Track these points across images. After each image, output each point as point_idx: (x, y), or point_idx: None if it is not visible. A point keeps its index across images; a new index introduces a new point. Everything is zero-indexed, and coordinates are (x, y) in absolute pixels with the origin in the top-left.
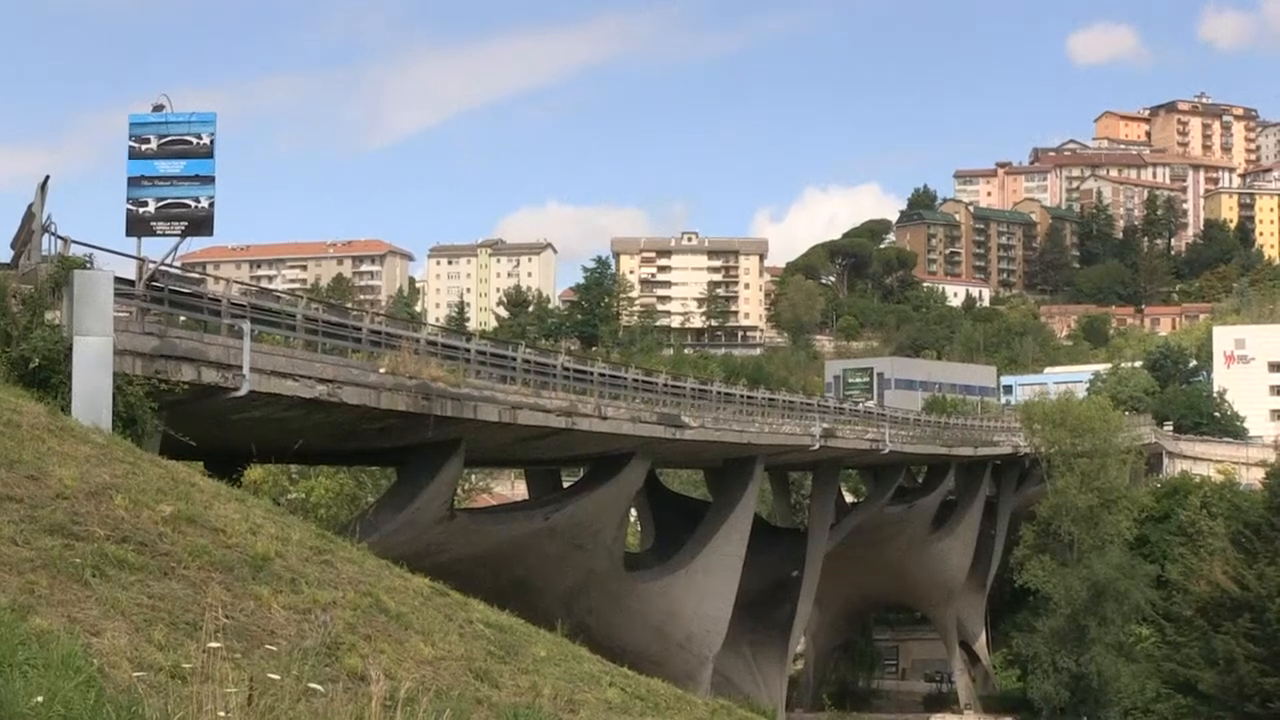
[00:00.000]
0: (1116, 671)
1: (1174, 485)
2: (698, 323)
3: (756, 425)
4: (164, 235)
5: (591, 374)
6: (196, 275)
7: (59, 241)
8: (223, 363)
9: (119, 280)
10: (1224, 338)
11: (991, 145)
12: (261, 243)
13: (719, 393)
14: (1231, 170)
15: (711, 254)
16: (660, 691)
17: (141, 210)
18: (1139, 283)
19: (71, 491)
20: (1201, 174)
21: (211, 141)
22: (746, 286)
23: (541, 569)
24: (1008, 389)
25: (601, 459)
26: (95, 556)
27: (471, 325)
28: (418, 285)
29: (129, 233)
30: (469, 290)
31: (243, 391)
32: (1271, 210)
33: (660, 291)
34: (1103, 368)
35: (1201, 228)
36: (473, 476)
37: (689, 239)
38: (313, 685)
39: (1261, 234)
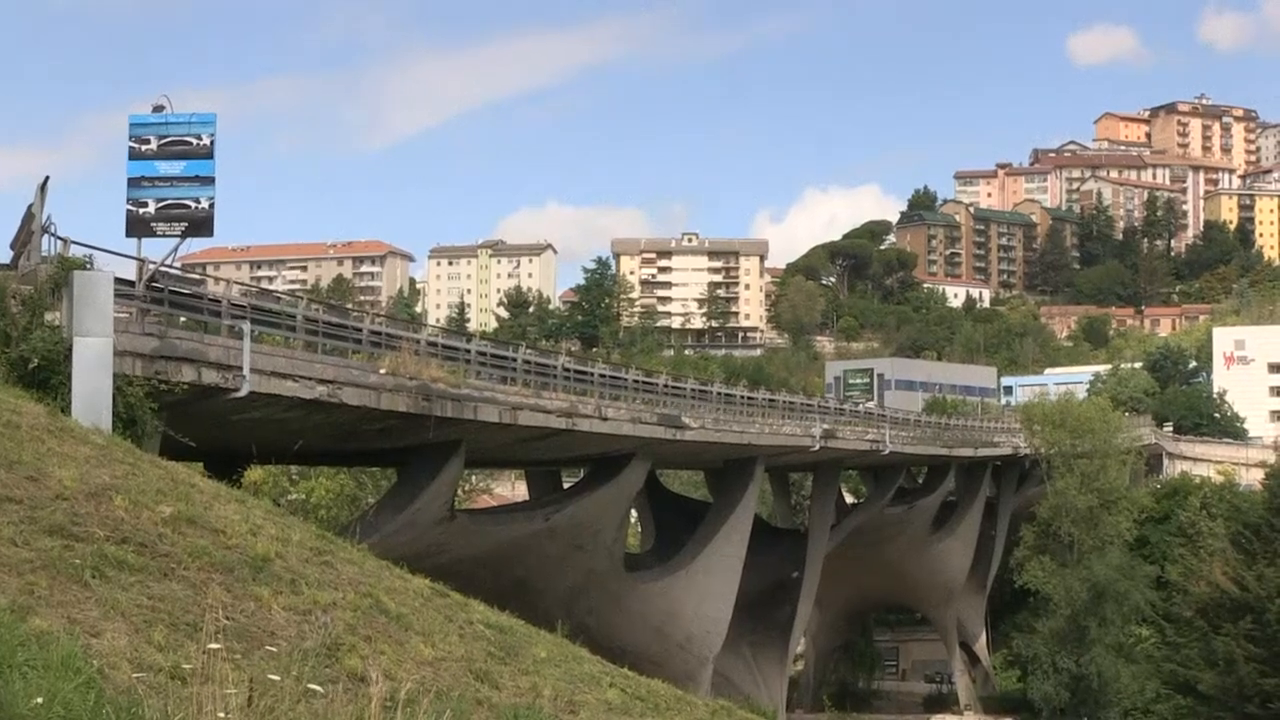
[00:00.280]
0: (1116, 672)
1: (1174, 486)
2: (698, 323)
3: (757, 426)
4: (164, 236)
5: (592, 375)
6: (196, 276)
7: (59, 242)
8: (223, 363)
9: (119, 281)
10: (1224, 339)
11: (992, 146)
12: (262, 243)
13: (719, 393)
14: (1231, 171)
15: (712, 255)
16: (660, 692)
17: (141, 211)
18: (1139, 284)
19: (71, 492)
20: (1201, 175)
21: (212, 142)
22: (747, 287)
23: (542, 570)
24: (1008, 390)
25: (602, 460)
26: (95, 557)
27: (472, 326)
28: (418, 286)
29: (129, 233)
30: (469, 291)
31: (243, 392)
32: (1271, 211)
33: (660, 292)
34: (1103, 369)
35: (1201, 229)
36: (473, 477)
37: (689, 240)
38: (313, 686)
39: (1261, 235)
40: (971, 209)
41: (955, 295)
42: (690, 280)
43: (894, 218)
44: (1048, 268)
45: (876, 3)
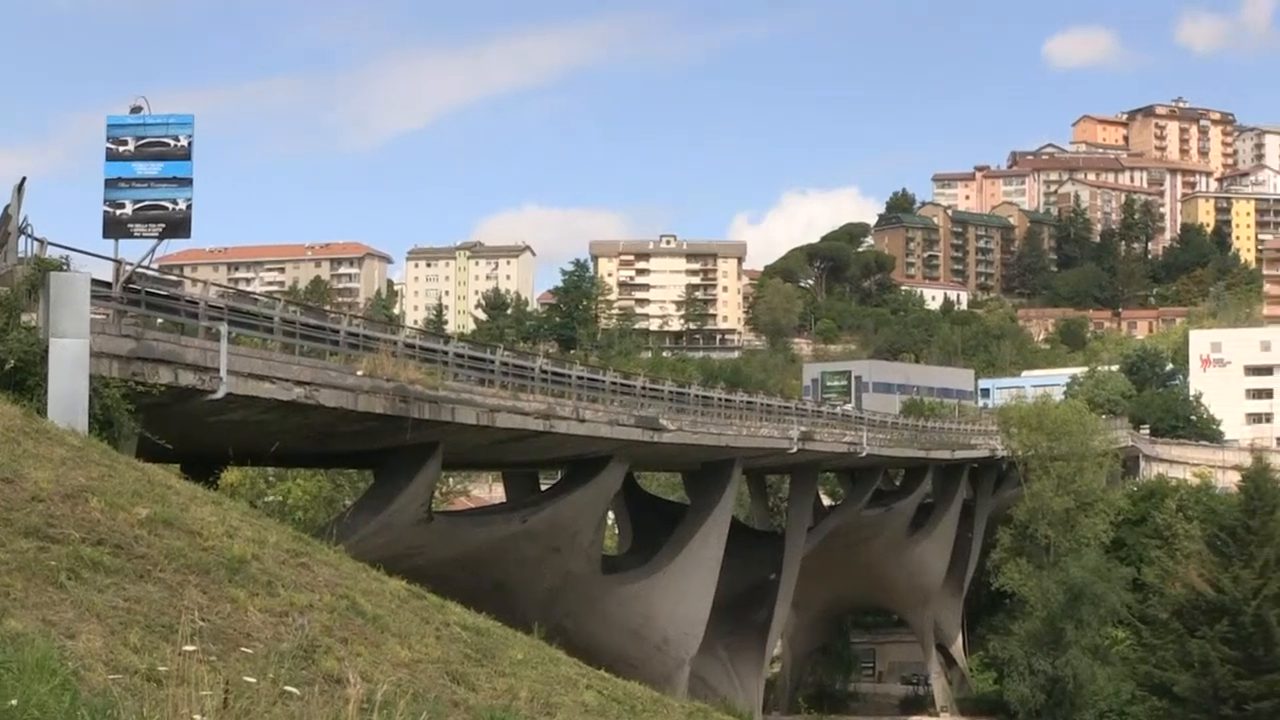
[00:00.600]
0: (1092, 674)
1: (1150, 488)
2: (676, 325)
3: (734, 428)
4: (141, 237)
5: (570, 376)
6: (174, 277)
7: (35, 243)
8: (200, 365)
9: (96, 282)
10: (1200, 341)
11: (970, 149)
12: (239, 245)
13: (697, 395)
14: (1209, 174)
15: (690, 257)
16: (637, 694)
17: (119, 212)
18: (1116, 286)
19: (47, 494)
20: (1179, 178)
21: (189, 143)
22: (725, 289)
23: (519, 572)
24: (985, 392)
25: (579, 462)
26: (71, 559)
27: (449, 328)
28: (396, 288)
29: (106, 234)
30: (447, 293)
31: (220, 394)
32: (1248, 214)
33: (638, 294)
34: (1080, 371)
35: (1178, 231)
36: (450, 479)
37: (667, 242)
38: (289, 688)
39: (1238, 238)
40: (949, 211)
41: (933, 297)
42: (668, 282)
43: (872, 220)
44: (1025, 270)
45: (856, 6)
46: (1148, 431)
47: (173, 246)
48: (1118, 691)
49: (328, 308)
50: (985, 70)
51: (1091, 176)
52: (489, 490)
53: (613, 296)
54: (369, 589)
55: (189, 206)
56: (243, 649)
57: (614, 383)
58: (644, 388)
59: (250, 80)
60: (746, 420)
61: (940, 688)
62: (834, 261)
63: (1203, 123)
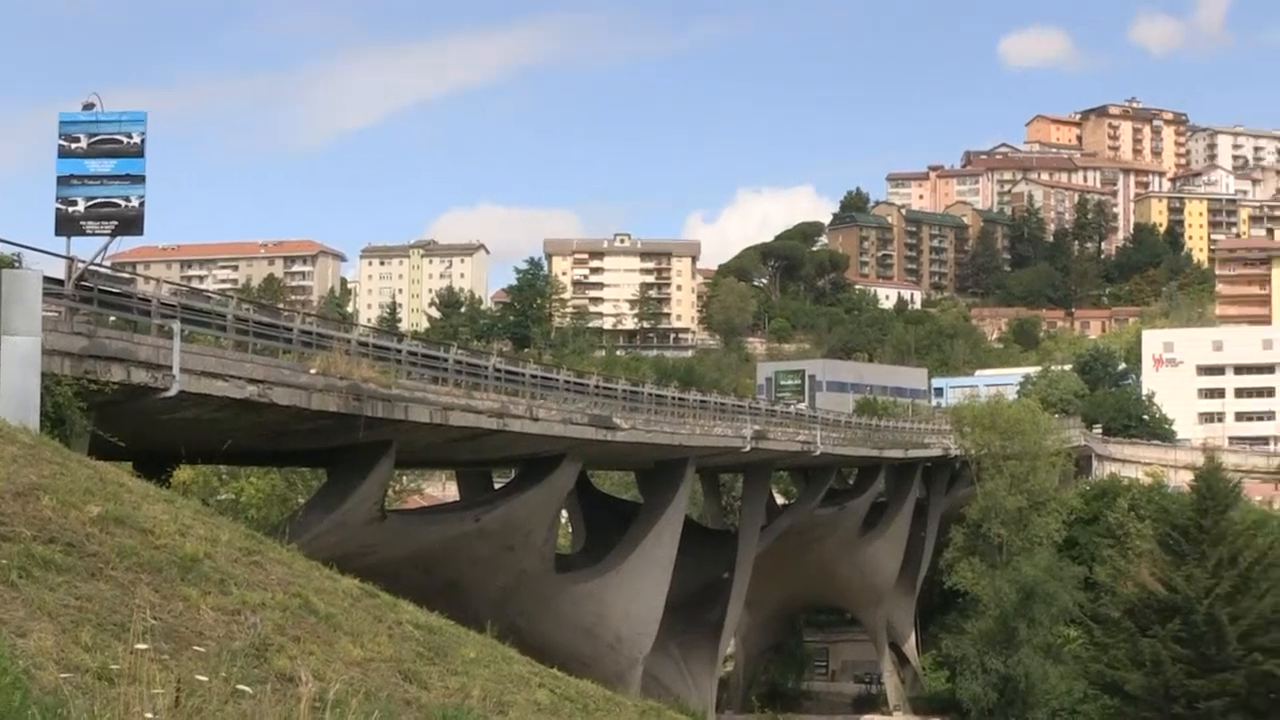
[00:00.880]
0: (1044, 673)
1: (1103, 488)
2: (630, 324)
3: (688, 427)
4: (94, 234)
5: (523, 375)
6: (126, 275)
7: None
8: (152, 363)
9: (48, 280)
10: (1153, 341)
11: (924, 148)
12: (192, 243)
13: (650, 394)
14: (1162, 174)
15: (644, 255)
16: (590, 693)
17: (71, 209)
18: (1069, 286)
19: None
20: (1132, 178)
21: (142, 140)
22: (679, 288)
23: (472, 570)
24: (938, 391)
25: (533, 460)
26: (22, 557)
27: (403, 326)
28: (349, 286)
29: (58, 232)
30: (401, 291)
31: (173, 392)
32: (1201, 215)
33: (592, 293)
34: (1033, 370)
35: (1131, 231)
36: (404, 477)
37: (621, 240)
38: (241, 687)
39: (1191, 238)
40: (903, 211)
41: (887, 297)
42: (622, 281)
43: (826, 219)
44: (979, 270)
45: (810, 6)
46: (1100, 431)
47: (125, 244)
48: (1070, 690)
49: (281, 306)
50: (940, 70)
51: (1045, 176)
52: (442, 489)
53: (567, 295)
54: (322, 587)
55: (142, 204)
56: (195, 647)
57: (568, 381)
58: (598, 386)
59: (204, 77)
60: (700, 419)
61: (893, 686)
62: (788, 260)
63: (1156, 123)
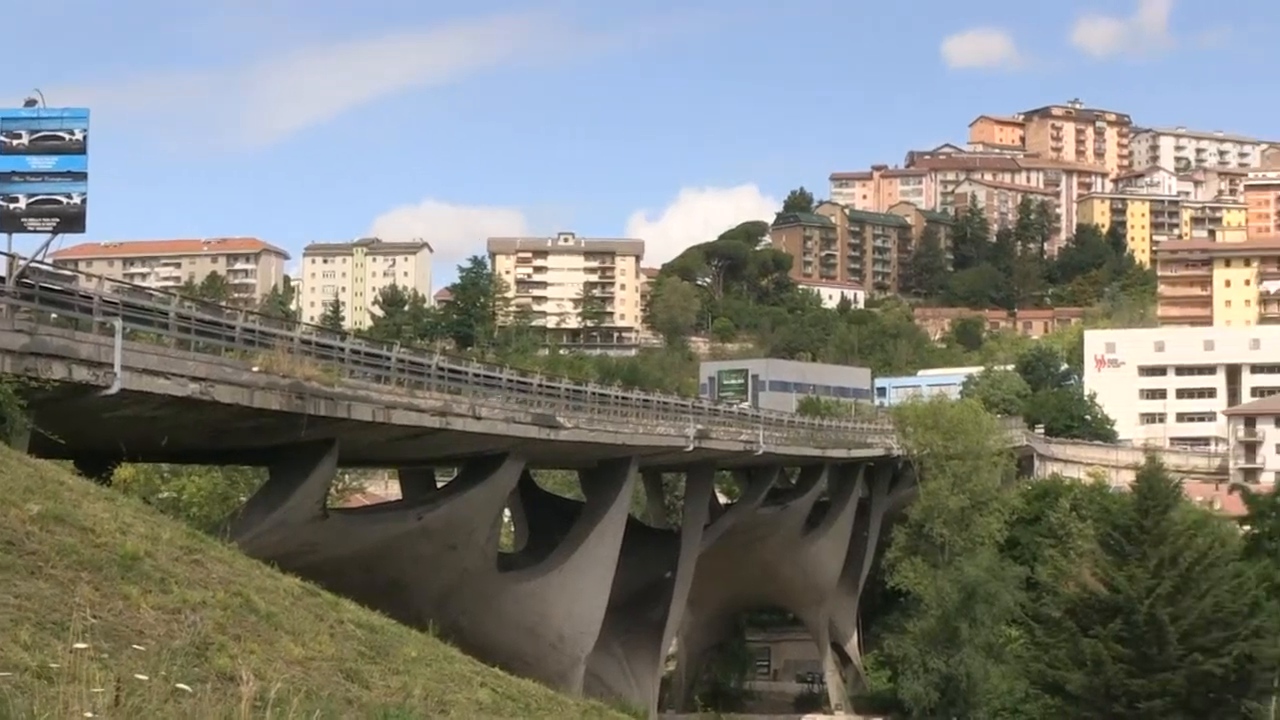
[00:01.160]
0: (986, 672)
1: (1044, 488)
2: (573, 323)
3: (631, 426)
4: (35, 231)
5: (466, 374)
6: (68, 272)
7: None
8: (94, 360)
9: None
10: (1095, 341)
11: (867, 148)
12: (135, 240)
13: (594, 393)
14: (1104, 175)
15: (588, 255)
16: (532, 692)
17: (12, 206)
18: (1012, 286)
19: None
20: (1074, 179)
21: (84, 137)
22: (622, 287)
23: (415, 569)
24: (881, 391)
25: (476, 459)
26: None
27: (346, 324)
28: (292, 284)
29: None
30: (344, 289)
31: (114, 389)
32: (1143, 215)
33: (536, 292)
34: (975, 370)
35: (1074, 232)
36: (346, 476)
37: (565, 239)
38: (181, 686)
39: (1133, 239)
40: (847, 210)
41: (830, 296)
42: (566, 280)
43: (770, 219)
44: (922, 270)
45: (754, 6)
46: (1042, 431)
47: (67, 241)
48: (1011, 690)
49: (224, 303)
50: (883, 70)
51: (988, 177)
52: (385, 487)
53: (510, 294)
54: (263, 586)
55: (84, 201)
56: (135, 646)
57: (511, 380)
58: (541, 385)
59: (149, 75)
60: (643, 418)
61: (835, 686)
62: (731, 260)
63: (1098, 124)
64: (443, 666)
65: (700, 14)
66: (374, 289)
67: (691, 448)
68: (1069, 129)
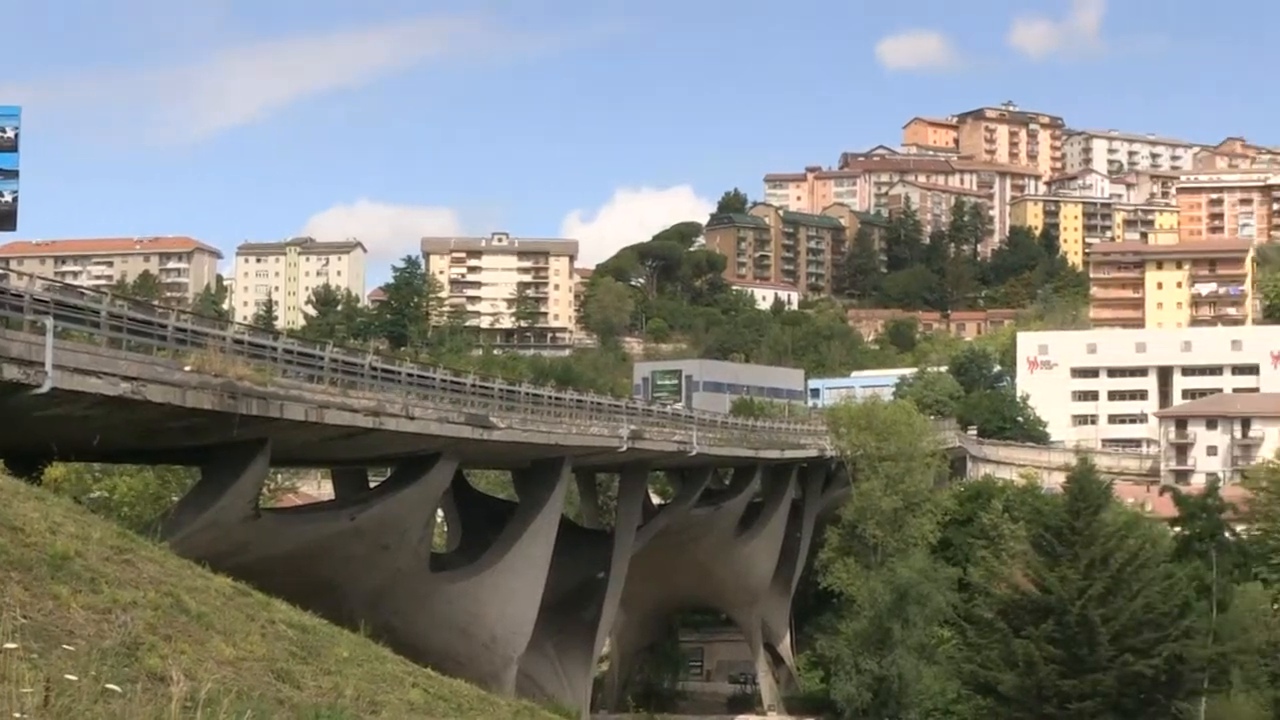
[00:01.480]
0: (918, 673)
1: (977, 489)
2: (507, 323)
3: (564, 426)
4: None
5: (399, 374)
6: None
7: None
8: (24, 359)
9: None
10: (1028, 343)
11: (802, 150)
12: (66, 238)
13: (527, 394)
14: (1037, 178)
15: (521, 255)
16: (463, 692)
17: None
18: (945, 288)
19: None
20: (1008, 181)
21: (15, 135)
22: (556, 288)
23: (347, 569)
24: (815, 392)
25: (409, 459)
26: None
27: (279, 324)
28: (225, 283)
29: None
30: (277, 289)
31: (45, 389)
32: (1076, 218)
33: (470, 292)
34: (909, 372)
35: (1007, 234)
36: (279, 476)
37: (499, 239)
38: (111, 686)
39: (1065, 241)
40: (781, 212)
41: (764, 298)
42: (500, 280)
43: (704, 219)
44: (856, 271)
45: (688, 6)
46: (975, 432)
47: None
48: (943, 690)
49: (156, 302)
50: (818, 72)
51: (922, 179)
52: (318, 487)
53: (444, 294)
54: (194, 586)
55: (15, 199)
56: (65, 646)
57: (444, 380)
58: (474, 385)
59: (79, 73)
60: (577, 419)
61: (768, 686)
62: (665, 261)
63: (1032, 126)
64: (374, 667)
65: (636, 15)
66: (307, 288)
67: (625, 448)
68: (1003, 131)
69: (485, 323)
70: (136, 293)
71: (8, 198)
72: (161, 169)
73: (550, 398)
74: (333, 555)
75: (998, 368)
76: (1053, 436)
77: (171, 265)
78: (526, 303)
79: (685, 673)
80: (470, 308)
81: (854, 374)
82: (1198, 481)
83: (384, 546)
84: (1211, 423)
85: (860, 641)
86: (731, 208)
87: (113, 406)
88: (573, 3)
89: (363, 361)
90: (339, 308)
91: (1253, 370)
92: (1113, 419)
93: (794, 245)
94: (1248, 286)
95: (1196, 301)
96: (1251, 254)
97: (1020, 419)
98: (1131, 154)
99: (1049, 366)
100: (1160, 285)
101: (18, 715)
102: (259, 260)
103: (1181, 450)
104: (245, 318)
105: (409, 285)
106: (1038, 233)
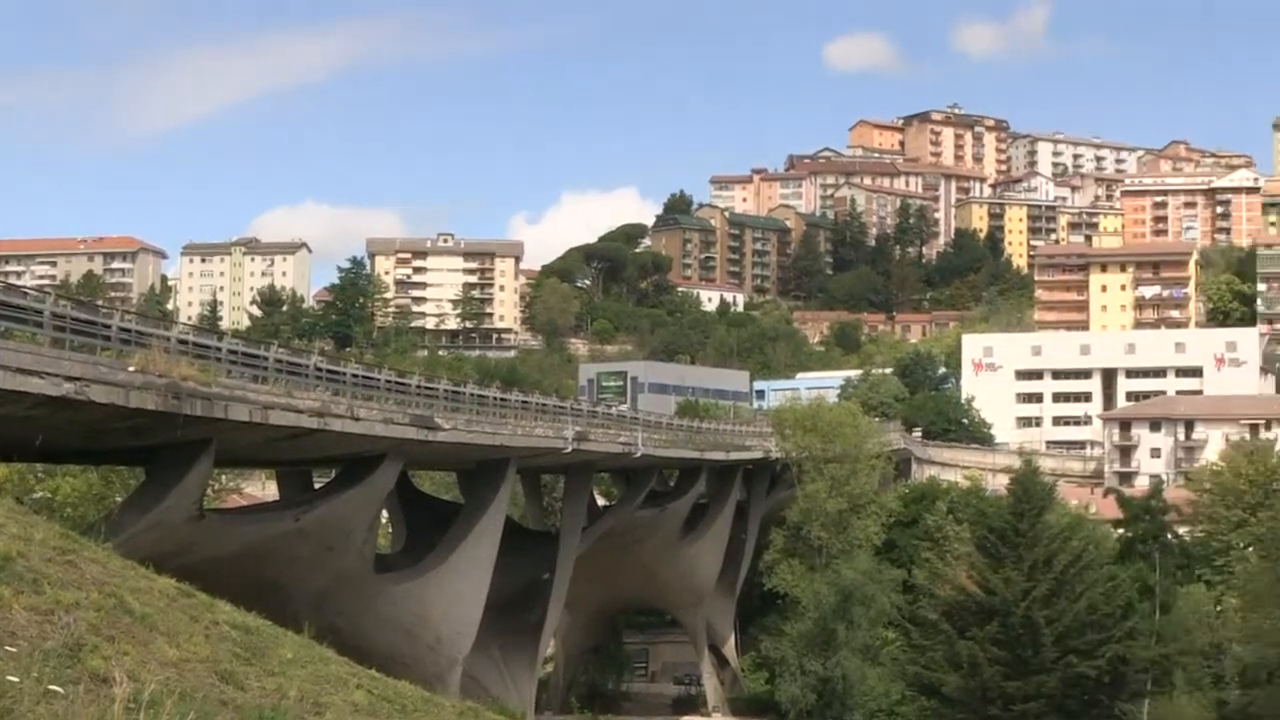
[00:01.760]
0: (863, 675)
1: (922, 491)
2: (452, 324)
3: (509, 427)
4: None
5: (344, 374)
6: None
7: None
8: None
9: None
10: (972, 345)
11: (748, 152)
12: (9, 238)
13: (472, 395)
14: (983, 180)
15: (467, 256)
16: (408, 694)
17: None
18: (891, 290)
19: None
20: (953, 183)
21: None
22: (502, 289)
23: (291, 570)
24: (760, 394)
25: (354, 460)
26: None
27: (224, 324)
28: (170, 283)
29: None
30: (222, 289)
31: None
32: (1020, 220)
33: (415, 293)
34: (854, 374)
35: (952, 236)
36: (223, 476)
37: (445, 240)
38: (54, 687)
39: (1010, 243)
40: (727, 214)
41: (709, 299)
42: (445, 281)
43: (650, 221)
44: (801, 273)
45: (634, 8)
46: (920, 434)
47: None
48: (888, 692)
49: (100, 302)
50: (764, 74)
51: (867, 181)
52: (262, 488)
53: (389, 295)
54: (138, 587)
55: None
56: (6, 648)
57: (389, 381)
58: (419, 386)
59: (22, 71)
60: (522, 420)
61: (712, 688)
62: (611, 262)
63: (977, 129)
64: (318, 668)
65: (581, 15)
66: (252, 289)
67: (570, 449)
68: (948, 134)
69: (430, 323)
70: (80, 293)
71: None
72: (106, 169)
73: (495, 399)
74: (277, 556)
75: (942, 370)
76: (997, 438)
77: (116, 265)
78: (472, 304)
79: (630, 674)
80: (415, 308)
81: (799, 375)
82: (1141, 484)
83: (328, 548)
84: (1155, 425)
85: (805, 643)
86: (677, 209)
87: (56, 407)
88: (518, 4)
89: (308, 362)
90: (284, 308)
91: (1196, 373)
92: (1057, 421)
93: (739, 247)
94: (1191, 289)
95: (1140, 304)
96: (1195, 257)
97: (965, 421)
98: (1076, 157)
99: (993, 369)
100: (1104, 288)
101: None
102: (204, 260)
103: (1125, 452)
104: (190, 318)
105: (354, 286)
106: (983, 235)
